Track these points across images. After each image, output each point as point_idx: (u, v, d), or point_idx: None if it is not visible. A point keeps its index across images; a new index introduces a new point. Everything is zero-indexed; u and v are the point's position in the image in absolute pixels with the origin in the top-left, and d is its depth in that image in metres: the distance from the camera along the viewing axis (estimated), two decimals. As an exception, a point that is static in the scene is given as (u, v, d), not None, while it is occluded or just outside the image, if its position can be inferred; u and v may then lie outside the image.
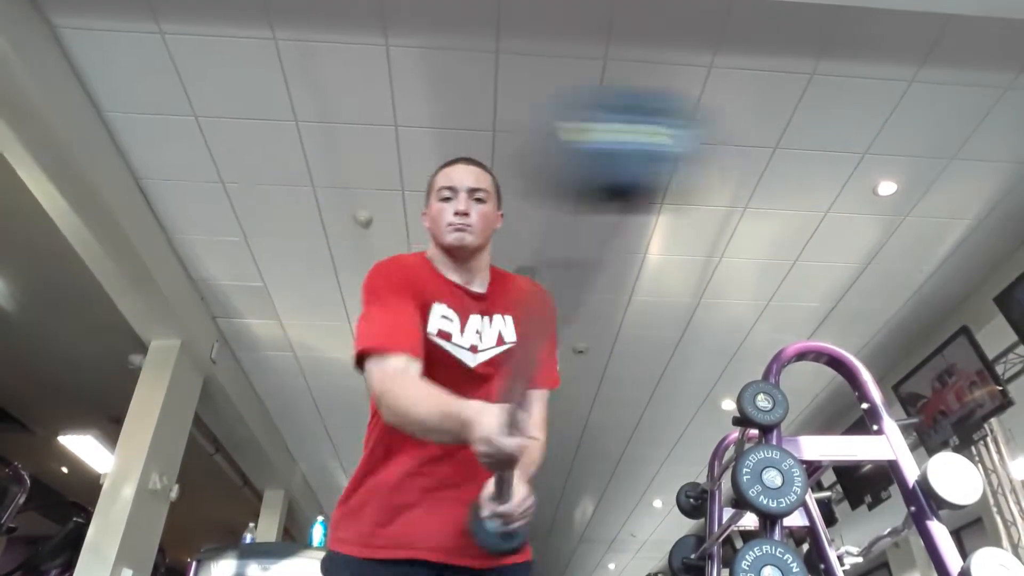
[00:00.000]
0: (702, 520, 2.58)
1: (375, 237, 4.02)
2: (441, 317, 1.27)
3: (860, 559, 2.18)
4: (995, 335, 4.20)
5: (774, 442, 1.60)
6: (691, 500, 2.66)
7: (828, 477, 5.41)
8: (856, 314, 4.76)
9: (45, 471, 6.98)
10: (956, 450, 4.32)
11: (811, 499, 1.97)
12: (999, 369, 4.19)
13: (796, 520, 1.97)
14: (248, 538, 3.83)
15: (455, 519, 1.14)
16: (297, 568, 3.25)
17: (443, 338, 1.26)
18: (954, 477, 1.46)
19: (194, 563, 3.25)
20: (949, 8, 2.80)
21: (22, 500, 5.03)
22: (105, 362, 4.86)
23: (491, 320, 1.33)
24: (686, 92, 3.21)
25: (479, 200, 1.34)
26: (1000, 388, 4.08)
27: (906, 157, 3.57)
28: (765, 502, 1.32)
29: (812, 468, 1.85)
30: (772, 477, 1.34)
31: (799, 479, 1.34)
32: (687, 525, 7.04)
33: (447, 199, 1.34)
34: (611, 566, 10.64)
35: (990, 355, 4.20)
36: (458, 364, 1.27)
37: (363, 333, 1.20)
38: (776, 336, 4.80)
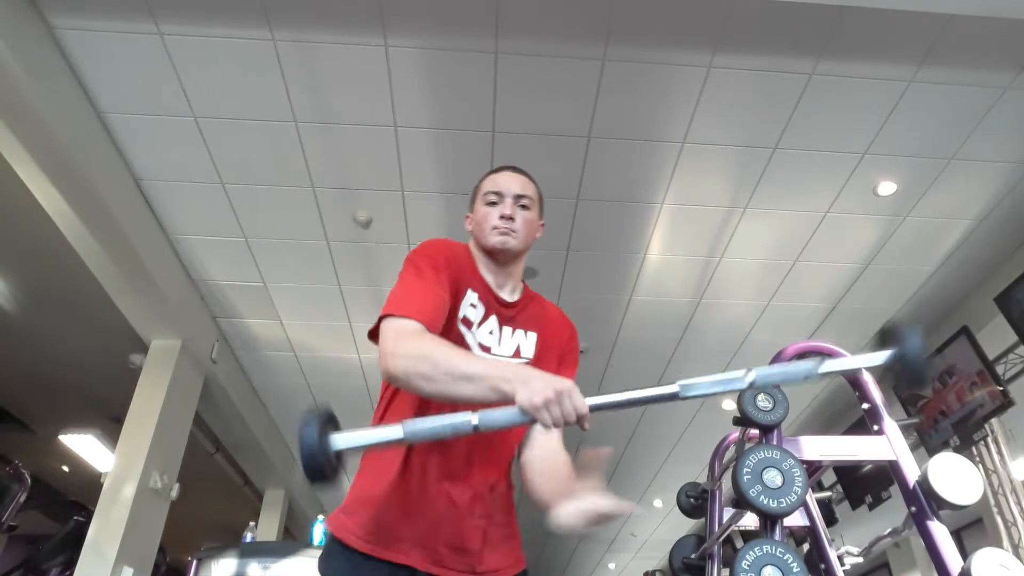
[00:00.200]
0: (702, 520, 2.58)
1: (375, 237, 4.02)
2: (470, 305, 1.30)
3: (860, 559, 2.18)
4: (995, 335, 4.20)
5: (774, 442, 1.60)
6: (691, 500, 2.66)
7: (828, 477, 5.41)
8: (856, 314, 4.76)
9: (46, 470, 6.99)
10: (956, 450, 4.32)
11: (811, 499, 1.97)
12: (999, 369, 4.19)
13: (796, 520, 1.97)
14: (248, 537, 3.82)
15: (456, 526, 1.18)
16: (297, 567, 3.24)
17: (465, 325, 1.29)
18: (954, 477, 1.46)
19: (194, 562, 3.25)
20: (949, 8, 2.80)
21: (23, 499, 5.03)
22: (106, 362, 4.87)
23: (512, 331, 1.35)
24: (685, 92, 3.22)
25: (524, 207, 1.38)
26: (1000, 388, 4.09)
27: (906, 157, 3.57)
28: (765, 502, 1.32)
29: (812, 468, 1.85)
30: (772, 477, 1.34)
31: (799, 479, 1.34)
32: (687, 525, 7.05)
33: (493, 203, 1.38)
34: (611, 566, 10.64)
35: (990, 355, 4.20)
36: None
37: (390, 298, 1.22)
38: (776, 336, 4.81)
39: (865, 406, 1.73)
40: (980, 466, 4.28)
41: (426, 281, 1.23)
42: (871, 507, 5.31)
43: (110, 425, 5.49)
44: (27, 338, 4.98)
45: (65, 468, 7.07)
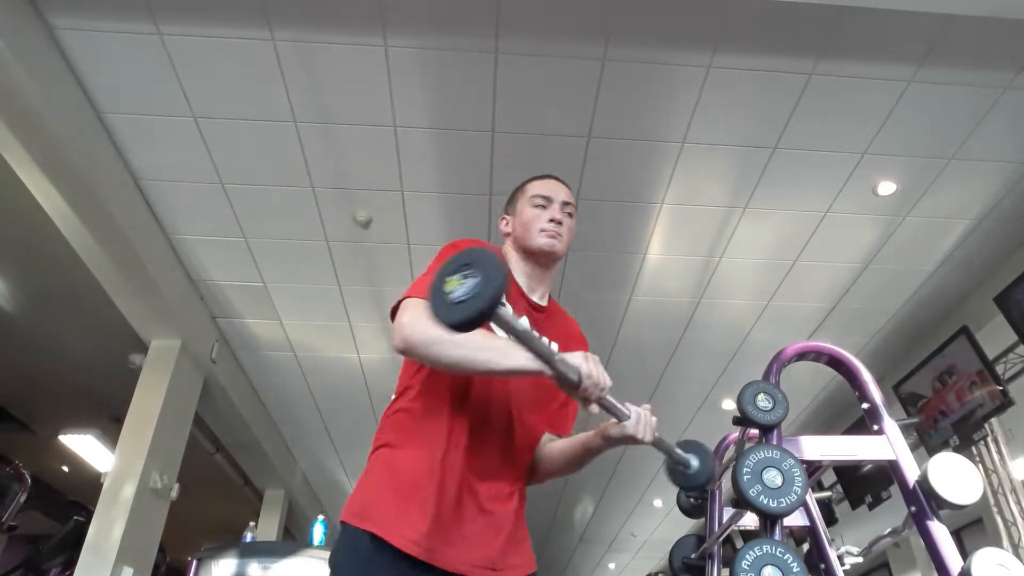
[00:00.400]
0: (702, 520, 2.57)
1: (374, 237, 4.02)
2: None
3: (860, 559, 2.18)
4: (995, 335, 4.20)
5: (774, 442, 1.60)
6: (691, 500, 2.66)
7: (828, 477, 5.41)
8: (856, 314, 4.76)
9: (46, 470, 6.98)
10: (956, 450, 4.32)
11: (811, 499, 1.97)
12: (999, 369, 4.19)
13: (796, 520, 1.97)
14: (248, 537, 3.83)
15: (487, 525, 1.21)
16: (297, 567, 3.24)
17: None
18: (954, 477, 1.46)
19: (194, 562, 3.25)
20: (949, 8, 2.80)
21: (23, 499, 5.04)
22: (105, 362, 4.86)
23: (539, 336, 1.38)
24: (685, 92, 3.22)
25: (569, 214, 1.43)
26: (1000, 388, 4.08)
27: (905, 157, 3.57)
28: (765, 502, 1.32)
29: (812, 468, 1.85)
30: (772, 477, 1.34)
31: (799, 479, 1.34)
32: (687, 525, 7.05)
33: (542, 207, 1.41)
34: (611, 566, 10.64)
35: (990, 355, 4.19)
36: None
37: (414, 284, 1.23)
38: (776, 336, 4.81)
39: (865, 406, 1.73)
40: (980, 466, 4.28)
41: None
42: (871, 507, 5.31)
43: (110, 425, 5.49)
44: (27, 338, 4.98)
45: (65, 468, 7.07)
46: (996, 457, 4.28)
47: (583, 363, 1.10)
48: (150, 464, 4.02)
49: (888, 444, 1.62)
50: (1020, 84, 3.17)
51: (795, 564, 1.21)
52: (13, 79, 2.70)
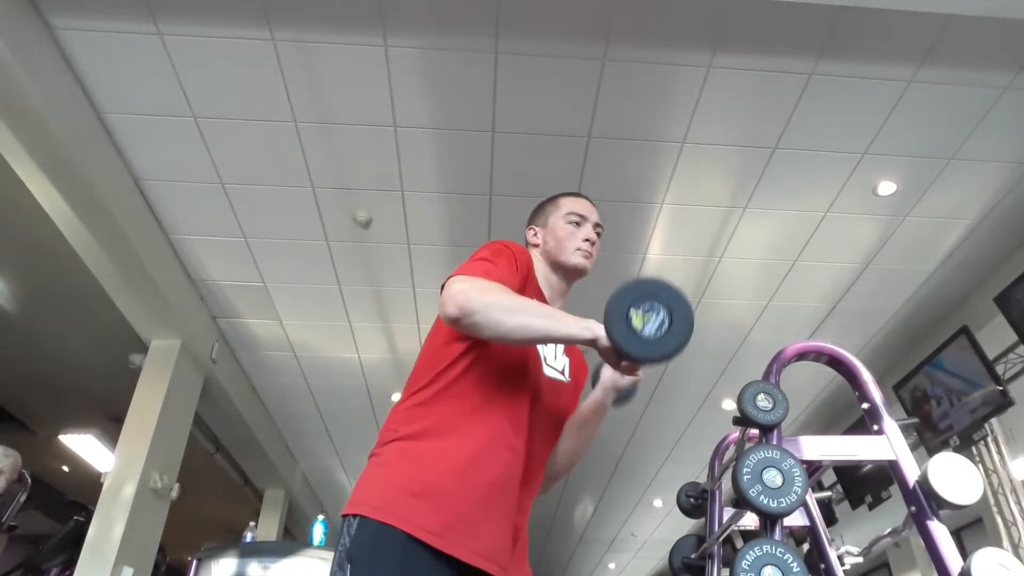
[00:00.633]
0: (702, 520, 2.57)
1: (375, 237, 4.02)
2: None
3: (860, 559, 2.18)
4: (995, 335, 4.20)
5: (774, 442, 1.60)
6: (691, 500, 2.66)
7: (828, 477, 5.41)
8: (856, 314, 4.76)
9: (46, 470, 6.99)
10: (956, 450, 4.32)
11: (811, 499, 1.97)
12: (999, 369, 4.19)
13: (796, 520, 1.97)
14: (248, 537, 3.82)
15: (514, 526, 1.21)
16: (297, 567, 3.24)
17: None
18: (954, 477, 1.46)
19: (194, 562, 3.25)
20: (949, 8, 2.80)
21: (23, 499, 5.03)
22: (105, 362, 4.87)
23: (555, 349, 1.42)
24: (685, 92, 3.22)
25: (599, 235, 1.49)
26: (1000, 388, 4.08)
27: (906, 157, 3.57)
28: (765, 502, 1.31)
29: (812, 468, 1.85)
30: (772, 477, 1.34)
31: (799, 479, 1.34)
32: (687, 525, 7.06)
33: (577, 224, 1.44)
34: (611, 566, 10.63)
35: (990, 355, 4.19)
36: (536, 358, 1.33)
37: (461, 267, 1.23)
38: (776, 336, 4.81)
39: (865, 406, 1.72)
40: (980, 466, 4.28)
41: (501, 271, 1.25)
42: (871, 507, 5.31)
43: (110, 425, 5.49)
44: (27, 338, 4.98)
45: (65, 468, 7.07)
46: (996, 457, 4.28)
47: None
48: (150, 464, 4.02)
49: (888, 444, 1.61)
50: (1020, 84, 3.17)
51: (795, 564, 1.21)
52: (13, 79, 2.70)
